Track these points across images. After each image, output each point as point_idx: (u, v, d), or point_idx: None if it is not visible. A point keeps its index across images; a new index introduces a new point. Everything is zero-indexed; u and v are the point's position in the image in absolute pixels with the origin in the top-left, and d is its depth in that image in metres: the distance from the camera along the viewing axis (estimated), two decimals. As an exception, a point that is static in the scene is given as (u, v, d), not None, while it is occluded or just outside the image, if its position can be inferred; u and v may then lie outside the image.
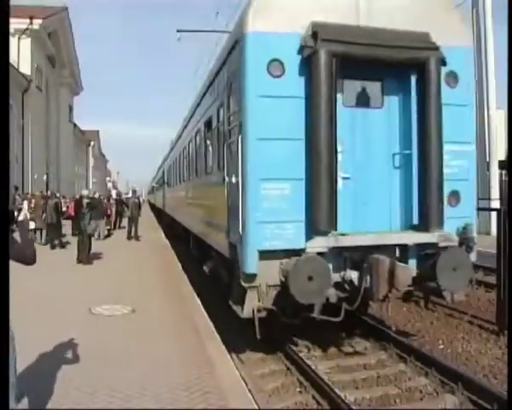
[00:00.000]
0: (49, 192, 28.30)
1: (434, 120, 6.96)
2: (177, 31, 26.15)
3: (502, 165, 22.52)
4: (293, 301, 6.49)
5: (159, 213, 37.56)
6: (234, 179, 7.34)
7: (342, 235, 6.79)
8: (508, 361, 6.13)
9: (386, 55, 6.86)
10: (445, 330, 9.22)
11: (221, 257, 8.86)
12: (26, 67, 36.54)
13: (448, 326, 9.43)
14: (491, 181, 21.69)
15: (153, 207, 54.25)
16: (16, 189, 30.94)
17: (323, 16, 6.81)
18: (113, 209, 28.50)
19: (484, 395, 5.95)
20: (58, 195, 28.30)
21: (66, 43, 49.76)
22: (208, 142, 10.93)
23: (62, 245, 19.42)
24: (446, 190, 7.22)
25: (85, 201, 16.11)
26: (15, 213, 17.08)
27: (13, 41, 35.53)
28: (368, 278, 6.74)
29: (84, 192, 17.42)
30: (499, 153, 22.49)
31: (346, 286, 7.04)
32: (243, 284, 6.85)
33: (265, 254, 6.67)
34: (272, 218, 6.69)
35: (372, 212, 7.31)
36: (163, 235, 25.92)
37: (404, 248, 7.22)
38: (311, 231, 6.64)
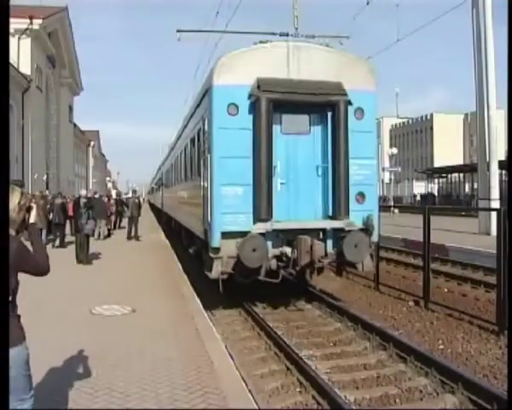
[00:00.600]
0: (46, 192, 28.31)
1: (343, 143, 9.90)
2: (177, 31, 26.11)
3: (502, 165, 22.50)
4: (244, 267, 9.40)
5: (158, 213, 39.72)
6: (206, 184, 10.27)
7: (277, 222, 9.73)
8: (508, 361, 6.13)
9: (308, 99, 9.92)
10: (445, 330, 9.22)
11: (199, 239, 11.71)
12: (26, 67, 36.54)
13: (448, 326, 9.43)
14: (491, 181, 21.67)
15: (152, 206, 56.31)
16: (22, 185, 30.94)
17: (265, 73, 9.78)
18: (113, 209, 28.54)
19: (484, 396, 5.95)
20: (64, 194, 28.35)
21: (66, 43, 49.76)
22: (191, 155, 14.16)
23: (64, 245, 19.44)
24: (355, 192, 10.14)
25: (83, 201, 16.11)
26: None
27: (13, 41, 35.53)
28: (296, 251, 9.57)
29: (82, 192, 17.43)
30: (499, 153, 22.50)
31: (284, 258, 9.88)
32: (211, 255, 9.77)
33: (226, 235, 9.60)
34: (230, 210, 9.62)
35: (301, 206, 10.24)
36: (163, 235, 25.94)
37: (324, 231, 10.13)
38: (256, 219, 9.58)
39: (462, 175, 54.07)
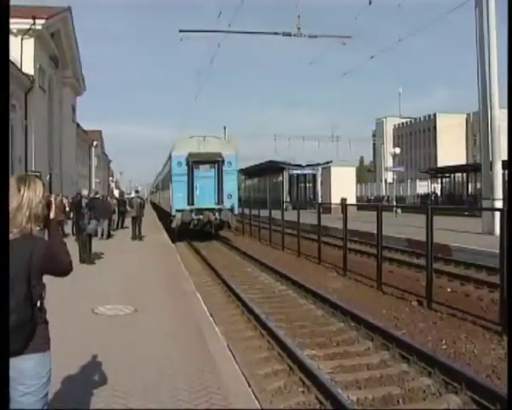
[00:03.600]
0: (55, 192, 28.34)
1: (222, 176, 26.29)
2: (180, 31, 26.24)
3: (505, 165, 22.40)
4: (183, 223, 25.74)
5: (157, 208, 52.31)
6: (170, 191, 27.15)
7: (195, 205, 25.94)
8: (508, 361, 6.09)
9: (209, 158, 26.28)
10: (448, 330, 9.19)
11: (168, 213, 28.43)
12: (29, 68, 36.54)
13: (451, 326, 9.40)
14: (495, 181, 21.61)
15: (154, 205, 60.90)
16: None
17: (192, 149, 26.36)
18: (114, 209, 28.69)
19: (487, 396, 5.92)
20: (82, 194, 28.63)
21: (69, 44, 49.78)
22: (166, 179, 31.76)
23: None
24: (226, 194, 26.32)
25: (85, 201, 16.14)
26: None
27: (16, 41, 35.53)
28: (202, 217, 25.89)
29: (84, 192, 17.45)
30: (503, 152, 22.43)
31: (198, 220, 25.87)
32: (172, 218, 26.39)
33: (177, 210, 25.96)
34: (178, 201, 26.06)
35: (206, 199, 26.05)
36: (166, 235, 25.98)
37: (214, 209, 26.02)
38: (187, 204, 25.89)
39: (465, 175, 53.95)
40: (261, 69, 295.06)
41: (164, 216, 33.44)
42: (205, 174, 26.12)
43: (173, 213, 25.97)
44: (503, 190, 22.05)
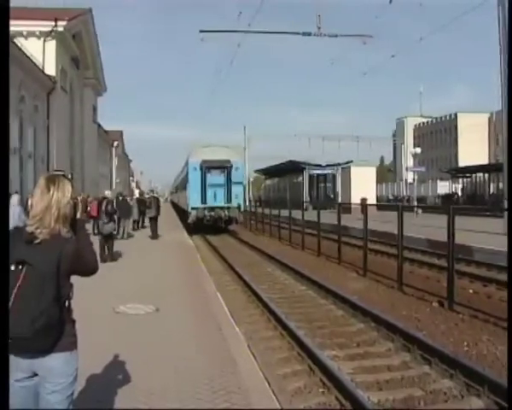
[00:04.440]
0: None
1: (230, 181, 30.82)
2: (200, 31, 26.33)
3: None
4: (197, 219, 30.20)
5: (175, 206, 57.64)
6: (187, 191, 32.40)
7: (207, 204, 30.41)
8: (508, 361, 6.01)
9: (220, 164, 30.77)
10: (470, 331, 9.10)
11: (185, 210, 33.70)
12: (51, 69, 36.96)
13: (473, 328, 9.31)
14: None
15: (174, 204, 64.46)
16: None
17: (205, 157, 31.13)
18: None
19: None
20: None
21: (90, 45, 50.22)
22: (184, 181, 36.61)
23: None
24: (234, 195, 30.82)
25: (106, 202, 16.36)
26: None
27: (38, 43, 36.04)
28: (214, 214, 30.39)
29: (107, 193, 17.66)
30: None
31: (210, 216, 30.32)
32: (188, 215, 31.34)
33: (192, 208, 30.58)
34: (194, 199, 30.55)
35: (217, 199, 30.52)
36: (186, 234, 26.08)
37: (223, 207, 30.44)
38: (201, 202, 30.35)
39: (487, 175, 53.38)
40: (281, 69, 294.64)
41: (182, 213, 38.99)
42: (216, 178, 30.90)
43: (189, 210, 31.08)
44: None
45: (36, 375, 3.03)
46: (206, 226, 30.38)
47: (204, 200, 30.53)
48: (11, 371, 3.01)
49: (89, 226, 24.02)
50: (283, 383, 6.83)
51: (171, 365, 6.16)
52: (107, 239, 16.02)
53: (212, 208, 30.47)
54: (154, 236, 23.64)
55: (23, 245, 2.95)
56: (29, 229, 3.01)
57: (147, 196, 31.09)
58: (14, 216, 15.36)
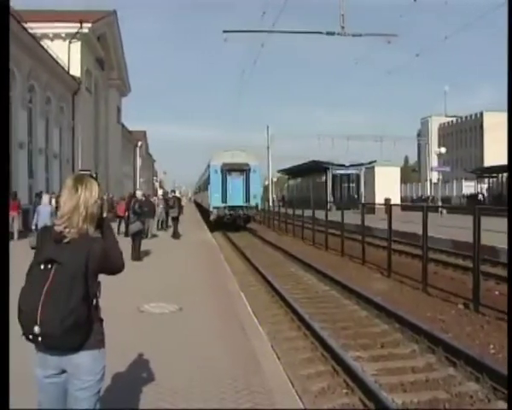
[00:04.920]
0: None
1: (248, 183, 34.71)
2: (224, 31, 26.34)
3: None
4: (218, 217, 33.81)
5: (198, 205, 59.74)
6: (209, 191, 35.48)
7: (227, 203, 33.79)
8: (508, 361, 5.90)
9: (239, 167, 34.43)
10: (497, 334, 8.96)
11: (207, 209, 36.87)
12: (76, 70, 37.42)
13: (499, 330, 9.16)
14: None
15: (197, 204, 65.37)
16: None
17: (225, 160, 34.84)
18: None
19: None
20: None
21: (115, 46, 50.68)
22: (205, 182, 41.19)
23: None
24: (252, 194, 34.37)
25: (134, 201, 16.60)
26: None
27: (63, 45, 36.54)
28: (233, 212, 33.66)
29: (138, 193, 18.10)
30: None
31: (230, 215, 33.75)
32: (210, 213, 34.67)
33: (214, 207, 34.07)
34: (215, 199, 34.13)
35: (236, 199, 33.74)
36: (210, 234, 26.18)
37: (242, 206, 34.37)
38: (222, 202, 33.82)
39: (513, 175, 52.58)
40: (305, 68, 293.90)
41: (204, 212, 42.14)
42: (235, 179, 34.35)
43: (211, 209, 34.43)
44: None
45: (64, 372, 3.07)
46: (226, 224, 33.47)
47: (224, 200, 33.93)
48: (40, 368, 3.07)
49: (114, 226, 24.26)
50: (307, 383, 6.82)
51: (194, 364, 6.19)
52: (135, 238, 16.19)
53: (231, 207, 33.87)
54: (176, 235, 23.79)
55: (52, 244, 3.00)
56: (57, 228, 3.05)
57: (169, 196, 31.34)
58: (45, 215, 15.60)
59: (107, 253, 3.14)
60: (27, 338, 2.93)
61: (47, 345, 2.93)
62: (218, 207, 33.84)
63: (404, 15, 25.84)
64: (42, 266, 2.94)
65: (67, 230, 3.03)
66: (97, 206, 3.18)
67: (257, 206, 35.23)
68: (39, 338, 2.88)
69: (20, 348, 3.29)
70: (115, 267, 3.26)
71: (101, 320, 3.19)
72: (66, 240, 3.02)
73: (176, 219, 24.70)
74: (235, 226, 33.38)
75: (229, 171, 34.22)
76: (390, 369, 7.34)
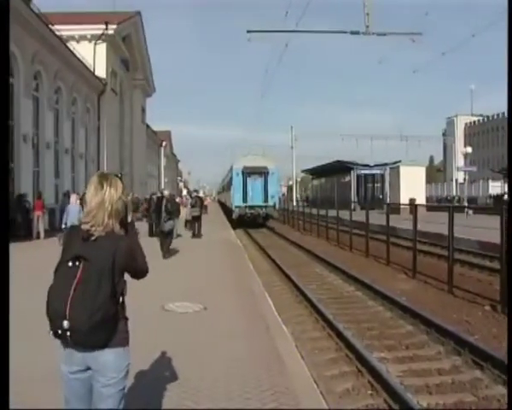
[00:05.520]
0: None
1: (266, 183, 38.06)
2: (248, 31, 26.35)
3: None
4: (240, 215, 37.30)
5: (222, 205, 63.96)
6: (232, 192, 39.95)
7: (248, 203, 37.49)
8: (508, 361, 5.78)
9: (258, 170, 38.11)
10: (525, 336, 8.83)
11: (230, 207, 41.63)
12: (101, 71, 37.88)
13: (527, 332, 9.03)
14: None
15: (221, 204, 68.43)
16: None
17: (246, 163, 38.87)
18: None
19: None
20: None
21: (140, 47, 51.14)
22: (228, 183, 46.74)
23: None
24: (271, 195, 37.94)
25: (166, 200, 17.10)
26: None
27: (89, 46, 37.02)
28: (253, 211, 37.43)
29: (166, 192, 18.49)
30: None
31: (250, 213, 37.37)
32: (232, 211, 38.45)
33: (235, 206, 37.77)
34: (237, 199, 37.82)
35: (256, 199, 37.50)
36: (234, 234, 26.21)
37: (262, 206, 37.55)
38: (243, 202, 37.57)
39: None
40: (328, 68, 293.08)
41: (227, 210, 46.23)
42: (255, 181, 38.19)
43: (233, 208, 38.44)
44: None
45: (89, 369, 3.12)
46: (247, 221, 37.19)
47: (245, 199, 37.84)
48: (65, 364, 3.12)
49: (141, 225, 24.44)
50: (331, 383, 6.80)
51: (219, 363, 6.20)
52: (166, 237, 16.59)
53: (251, 207, 37.67)
54: (198, 234, 23.92)
55: (80, 242, 3.07)
56: (84, 227, 3.12)
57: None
58: (74, 214, 15.81)
59: (132, 251, 3.20)
60: (55, 334, 2.99)
61: (74, 340, 2.97)
62: (239, 207, 37.57)
63: (430, 13, 25.48)
64: (70, 264, 3.01)
65: (94, 228, 3.10)
66: (122, 202, 3.24)
67: (274, 205, 38.48)
68: (68, 333, 2.93)
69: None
70: (139, 269, 3.30)
71: (127, 319, 3.23)
72: (93, 238, 3.07)
73: (198, 219, 24.79)
74: (255, 224, 37.00)
75: (249, 173, 38.16)
76: (415, 371, 7.28)
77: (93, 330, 2.94)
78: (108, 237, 3.10)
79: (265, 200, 37.65)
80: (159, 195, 23.93)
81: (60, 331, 2.95)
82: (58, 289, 2.98)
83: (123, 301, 3.18)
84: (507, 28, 5.09)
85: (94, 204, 3.14)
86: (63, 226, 16.08)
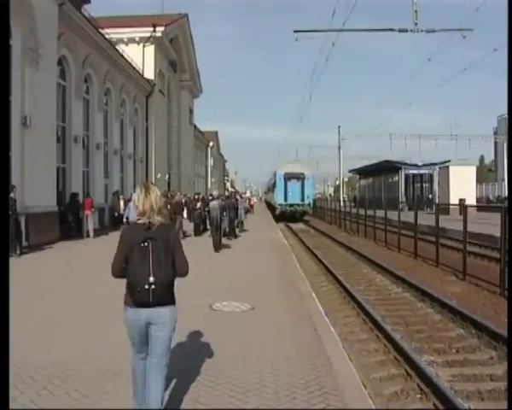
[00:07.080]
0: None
1: (303, 186, 49.41)
2: (295, 31, 26.32)
3: None
4: (281, 212, 47.89)
5: (267, 203, 72.92)
6: (275, 192, 51.17)
7: (287, 202, 48.40)
8: (508, 360, 5.58)
9: (297, 176, 49.27)
10: None
11: (273, 205, 52.28)
12: (149, 73, 38.48)
13: None
14: None
15: (266, 202, 79.78)
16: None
17: (287, 170, 50.07)
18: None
19: None
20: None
21: (187, 48, 51.73)
22: (272, 185, 56.48)
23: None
24: (306, 195, 49.09)
25: (222, 198, 19.72)
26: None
27: (138, 49, 37.68)
28: (291, 209, 48.84)
29: (215, 193, 20.17)
30: None
31: (290, 211, 47.83)
32: (275, 209, 49.70)
33: (278, 204, 48.88)
34: (279, 199, 48.97)
35: (294, 199, 48.34)
36: (281, 234, 26.18)
37: (299, 204, 48.46)
38: (283, 201, 48.61)
39: None
40: (376, 66, 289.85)
41: (271, 208, 56.47)
42: (294, 184, 48.59)
43: (276, 206, 49.05)
44: None
45: (149, 323, 4.24)
46: (287, 217, 46.54)
47: (285, 199, 48.42)
48: (134, 316, 4.21)
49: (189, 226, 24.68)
50: (379, 386, 6.73)
51: (267, 363, 6.21)
52: (221, 233, 18.26)
53: (291, 205, 48.07)
54: (230, 233, 23.72)
55: (143, 231, 4.19)
56: (144, 221, 4.23)
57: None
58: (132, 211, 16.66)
59: (177, 240, 4.42)
60: (141, 291, 4.07)
61: (153, 294, 4.09)
62: (281, 205, 48.42)
63: (481, 8, 24.78)
64: (142, 245, 4.14)
65: (151, 220, 4.23)
66: (162, 201, 4.40)
67: (309, 204, 49.66)
68: (152, 286, 4.07)
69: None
70: (180, 267, 4.31)
71: (174, 285, 4.36)
72: (153, 227, 4.21)
73: (233, 220, 24.84)
74: (294, 218, 46.82)
75: (289, 178, 48.99)
76: (466, 375, 7.12)
77: (165, 287, 4.15)
78: (162, 226, 4.28)
79: (302, 199, 48.56)
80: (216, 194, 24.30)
81: (146, 286, 4.05)
82: (139, 261, 4.10)
83: (175, 271, 4.30)
84: (507, 28, 4.96)
85: (147, 207, 4.25)
86: (124, 220, 17.27)
